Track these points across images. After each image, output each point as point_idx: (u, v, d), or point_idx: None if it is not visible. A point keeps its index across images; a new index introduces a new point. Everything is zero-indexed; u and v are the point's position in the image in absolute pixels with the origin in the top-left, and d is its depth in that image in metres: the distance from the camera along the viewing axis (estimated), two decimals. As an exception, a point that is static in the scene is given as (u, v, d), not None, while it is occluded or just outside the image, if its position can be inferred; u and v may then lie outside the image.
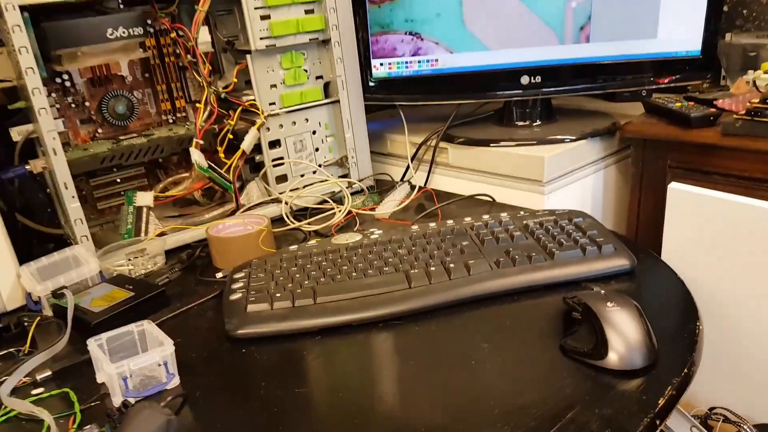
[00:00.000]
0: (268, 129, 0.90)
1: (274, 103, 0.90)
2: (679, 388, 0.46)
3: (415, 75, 1.00)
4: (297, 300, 0.61)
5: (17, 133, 0.79)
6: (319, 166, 0.96)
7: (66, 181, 0.74)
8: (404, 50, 0.98)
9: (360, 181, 0.98)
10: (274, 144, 0.91)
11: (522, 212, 0.74)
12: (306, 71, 0.91)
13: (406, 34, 0.97)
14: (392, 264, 0.65)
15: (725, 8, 1.07)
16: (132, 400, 0.49)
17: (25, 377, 0.55)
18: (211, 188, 0.90)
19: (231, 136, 0.88)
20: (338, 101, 0.94)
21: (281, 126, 0.91)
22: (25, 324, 0.65)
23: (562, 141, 0.92)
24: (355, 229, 0.84)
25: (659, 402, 0.45)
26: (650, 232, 0.95)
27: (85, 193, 0.87)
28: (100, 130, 0.86)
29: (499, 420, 0.44)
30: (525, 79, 0.96)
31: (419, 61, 0.99)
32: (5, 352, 0.61)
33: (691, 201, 0.74)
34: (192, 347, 0.58)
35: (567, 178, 0.91)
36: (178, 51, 0.86)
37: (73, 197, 0.74)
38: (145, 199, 0.82)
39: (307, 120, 0.94)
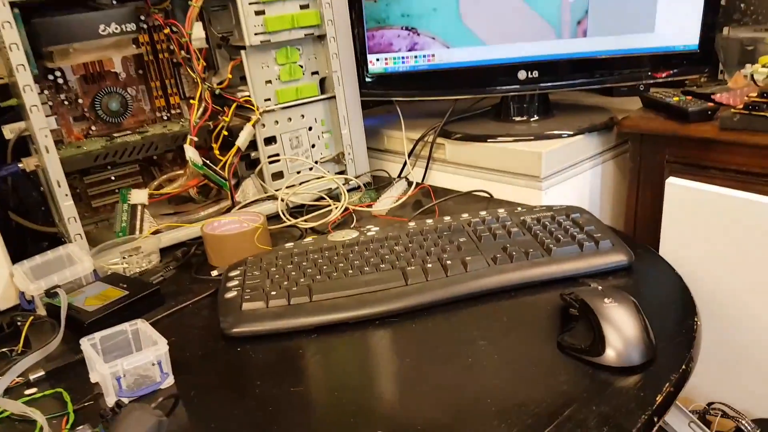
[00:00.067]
0: (264, 125, 0.89)
1: (269, 99, 0.89)
2: (677, 385, 0.46)
3: (411, 70, 0.99)
4: (293, 298, 0.60)
5: (9, 131, 0.79)
6: (316, 162, 0.96)
7: (59, 179, 0.73)
8: (400, 45, 0.97)
9: (357, 177, 0.98)
10: (270, 140, 0.91)
11: (519, 208, 0.74)
12: (301, 67, 0.91)
13: (402, 29, 0.97)
14: (389, 261, 0.64)
15: (723, 2, 1.07)
16: (126, 400, 0.49)
17: (18, 377, 0.55)
18: (206, 185, 0.89)
19: (226, 133, 0.87)
20: (334, 97, 0.94)
21: (277, 122, 0.91)
22: (18, 323, 0.64)
23: (559, 136, 0.91)
24: (351, 226, 0.83)
25: (657, 399, 0.44)
26: (648, 228, 0.95)
27: (79, 191, 0.86)
28: (93, 128, 0.85)
29: (496, 417, 0.44)
30: (522, 74, 0.96)
31: (416, 57, 0.98)
32: (-2, 352, 0.61)
33: (689, 196, 0.74)
34: (187, 346, 0.58)
35: (564, 173, 0.91)
36: (171, 47, 0.85)
37: (67, 195, 0.74)
38: (139, 196, 0.82)
39: (302, 116, 0.93)
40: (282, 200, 0.89)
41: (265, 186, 0.91)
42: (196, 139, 0.84)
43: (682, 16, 0.90)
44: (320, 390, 0.50)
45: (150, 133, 0.85)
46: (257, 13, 0.84)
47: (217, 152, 0.87)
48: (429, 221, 0.73)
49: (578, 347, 0.50)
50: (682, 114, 0.87)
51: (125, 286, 0.67)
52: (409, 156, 1.03)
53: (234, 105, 0.87)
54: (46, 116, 0.72)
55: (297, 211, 0.90)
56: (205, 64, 0.84)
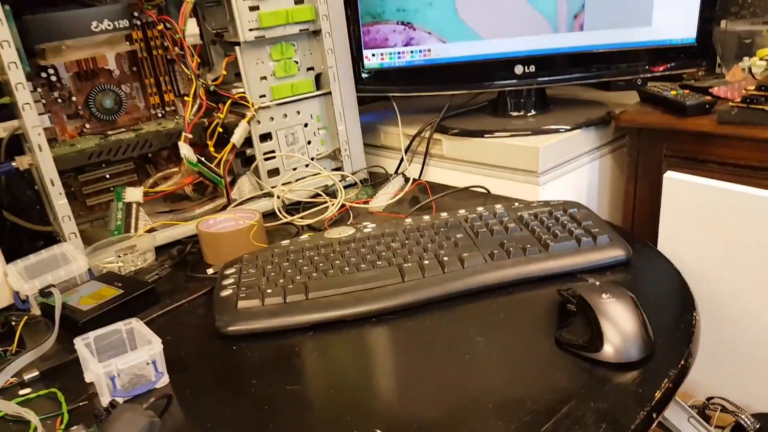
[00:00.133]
0: (259, 122, 0.89)
1: (264, 96, 0.89)
2: (675, 380, 0.46)
3: (407, 65, 0.98)
4: (289, 296, 0.60)
5: (2, 130, 0.78)
6: (312, 159, 0.95)
7: (53, 178, 0.73)
8: (396, 40, 0.97)
9: (353, 174, 0.97)
10: (265, 137, 0.90)
11: (516, 204, 0.74)
12: (296, 63, 0.90)
13: (398, 23, 0.96)
14: (385, 258, 0.64)
15: (720, -5, 1.07)
16: (120, 400, 0.48)
17: (12, 377, 0.54)
18: (202, 183, 0.89)
19: (221, 130, 0.87)
20: (330, 93, 0.93)
21: (272, 119, 0.90)
22: (13, 323, 0.64)
23: (556, 131, 0.91)
24: (348, 223, 0.83)
25: (656, 395, 0.44)
26: (646, 222, 0.95)
27: (73, 189, 0.86)
28: (87, 125, 0.85)
29: (494, 414, 0.44)
30: (519, 69, 0.95)
31: (412, 51, 0.97)
32: (-8, 352, 0.60)
33: (687, 190, 0.74)
34: (182, 345, 0.58)
35: (562, 168, 0.91)
36: (165, 44, 0.85)
37: (61, 194, 0.73)
38: (134, 194, 0.81)
39: (298, 112, 0.92)
40: (278, 197, 0.88)
41: (260, 183, 0.91)
42: (190, 136, 0.83)
43: (680, 9, 0.90)
44: (317, 388, 0.50)
45: (144, 131, 0.85)
46: (251, 8, 0.83)
47: (212, 149, 0.86)
48: (426, 217, 0.72)
49: (576, 343, 0.49)
50: (680, 108, 0.87)
51: (120, 284, 0.66)
52: (406, 152, 1.02)
53: (229, 101, 0.86)
54: (39, 114, 0.71)
55: (293, 208, 0.89)
56: (199, 60, 0.83)
